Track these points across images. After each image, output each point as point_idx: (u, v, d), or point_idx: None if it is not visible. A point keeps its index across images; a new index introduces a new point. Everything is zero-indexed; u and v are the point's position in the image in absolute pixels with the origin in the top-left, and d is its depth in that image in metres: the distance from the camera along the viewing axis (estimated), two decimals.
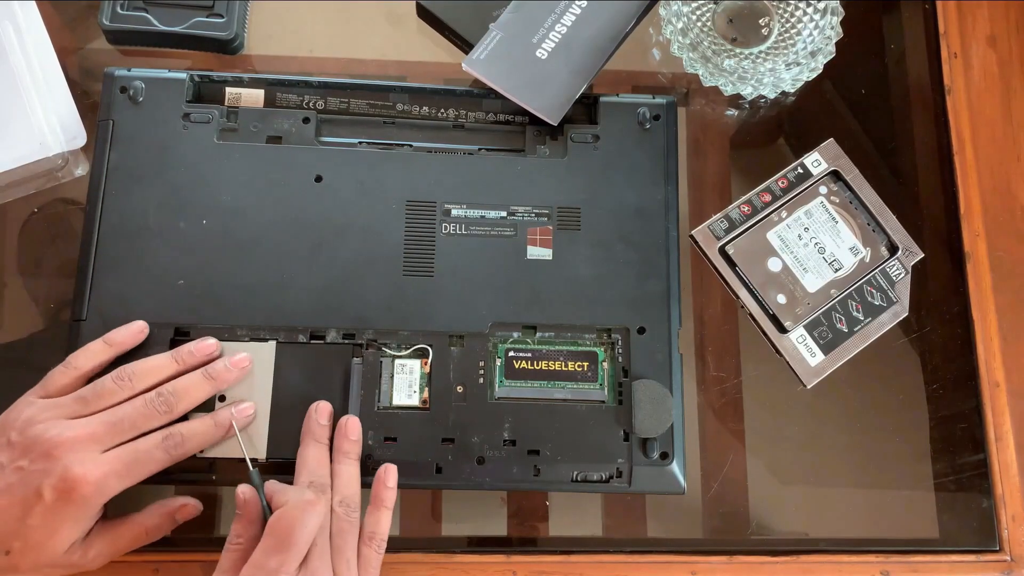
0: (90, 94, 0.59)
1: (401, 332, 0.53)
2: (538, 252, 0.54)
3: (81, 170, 0.58)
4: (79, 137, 0.57)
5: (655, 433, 0.52)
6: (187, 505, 0.50)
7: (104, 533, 0.48)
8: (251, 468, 0.48)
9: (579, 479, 0.51)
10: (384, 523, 0.48)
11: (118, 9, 0.59)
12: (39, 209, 0.58)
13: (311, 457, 0.49)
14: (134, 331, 0.51)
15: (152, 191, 0.54)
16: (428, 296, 0.53)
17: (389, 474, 0.49)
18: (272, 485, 0.47)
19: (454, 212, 0.55)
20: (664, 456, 0.52)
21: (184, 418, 0.49)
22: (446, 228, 0.54)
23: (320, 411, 0.50)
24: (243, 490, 0.47)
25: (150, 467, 0.47)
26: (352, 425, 0.50)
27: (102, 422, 0.46)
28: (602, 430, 0.52)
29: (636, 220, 0.55)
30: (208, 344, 0.51)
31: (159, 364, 0.49)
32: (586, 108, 0.58)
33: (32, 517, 0.44)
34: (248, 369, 0.51)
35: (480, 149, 0.57)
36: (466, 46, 0.60)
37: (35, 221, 0.57)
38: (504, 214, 0.55)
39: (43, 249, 0.57)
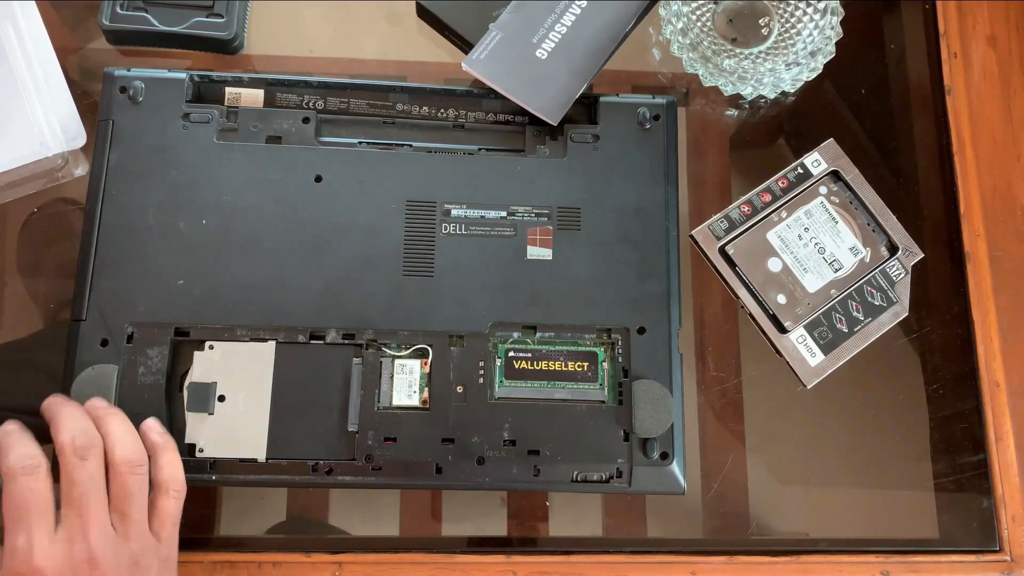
0: (90, 94, 0.59)
1: (401, 332, 0.53)
2: (538, 252, 0.54)
3: (81, 170, 0.58)
4: (79, 137, 0.57)
5: (655, 433, 0.52)
6: None
7: None
8: None
9: (579, 479, 0.51)
10: (174, 465, 0.46)
11: (118, 9, 0.59)
12: (39, 209, 0.57)
13: (66, 413, 0.44)
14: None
15: (152, 191, 0.54)
16: (428, 296, 0.53)
17: (151, 424, 0.47)
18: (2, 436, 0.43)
19: (454, 212, 0.55)
20: (664, 456, 0.52)
21: None
22: (446, 228, 0.54)
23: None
24: None
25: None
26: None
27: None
28: (602, 430, 0.52)
29: (636, 220, 0.55)
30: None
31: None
32: (586, 108, 0.58)
33: None
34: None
35: (480, 149, 0.57)
36: (466, 46, 0.60)
37: (35, 221, 0.57)
38: (504, 214, 0.55)
39: (43, 249, 0.57)
